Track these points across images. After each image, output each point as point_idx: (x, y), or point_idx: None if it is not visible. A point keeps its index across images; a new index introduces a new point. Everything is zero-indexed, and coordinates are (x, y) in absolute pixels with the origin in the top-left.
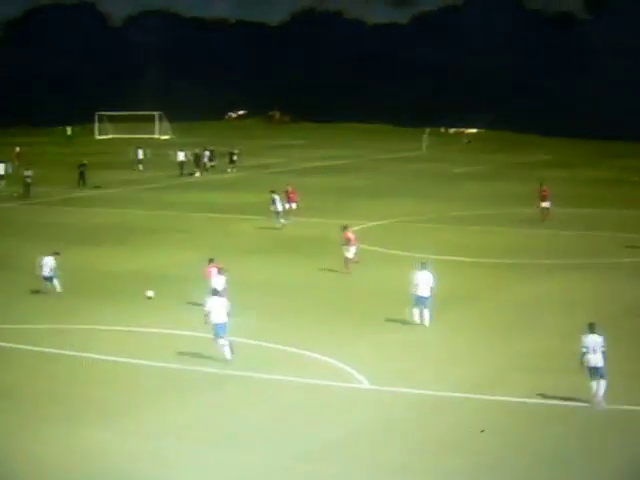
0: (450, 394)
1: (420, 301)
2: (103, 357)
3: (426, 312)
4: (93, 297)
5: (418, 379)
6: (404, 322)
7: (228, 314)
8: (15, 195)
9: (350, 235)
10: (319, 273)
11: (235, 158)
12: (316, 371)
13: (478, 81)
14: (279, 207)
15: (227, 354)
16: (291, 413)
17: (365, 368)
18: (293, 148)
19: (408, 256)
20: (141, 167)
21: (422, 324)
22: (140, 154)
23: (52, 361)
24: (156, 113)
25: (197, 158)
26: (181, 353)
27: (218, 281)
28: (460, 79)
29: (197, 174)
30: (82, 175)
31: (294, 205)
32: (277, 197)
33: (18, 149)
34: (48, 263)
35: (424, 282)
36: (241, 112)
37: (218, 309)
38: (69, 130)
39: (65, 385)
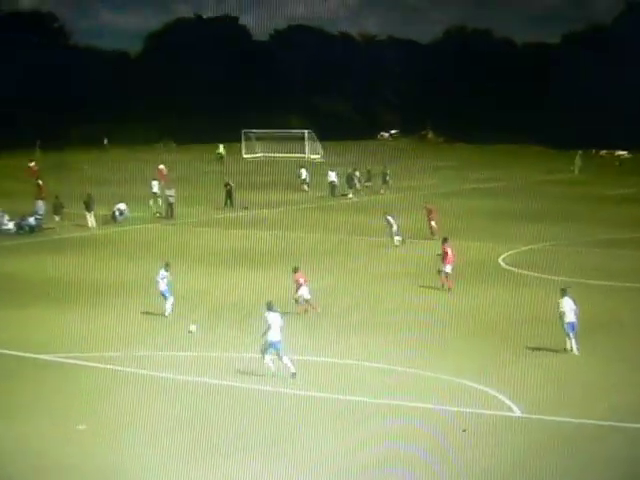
0: (603, 423)
1: (568, 328)
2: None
3: (573, 339)
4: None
5: (568, 407)
6: (547, 347)
7: (281, 330)
8: (158, 215)
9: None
10: (459, 297)
11: (388, 179)
12: (466, 398)
13: (631, 102)
14: (394, 226)
15: (272, 368)
16: (447, 442)
17: (515, 395)
18: (446, 169)
19: (557, 280)
20: (306, 188)
21: (572, 351)
22: (304, 174)
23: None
24: (306, 131)
25: (349, 179)
26: (329, 381)
27: (304, 290)
28: (612, 100)
29: (350, 195)
30: (229, 195)
31: (433, 223)
32: (390, 218)
33: (162, 167)
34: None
35: (570, 308)
36: (394, 132)
37: (274, 325)
38: (221, 148)
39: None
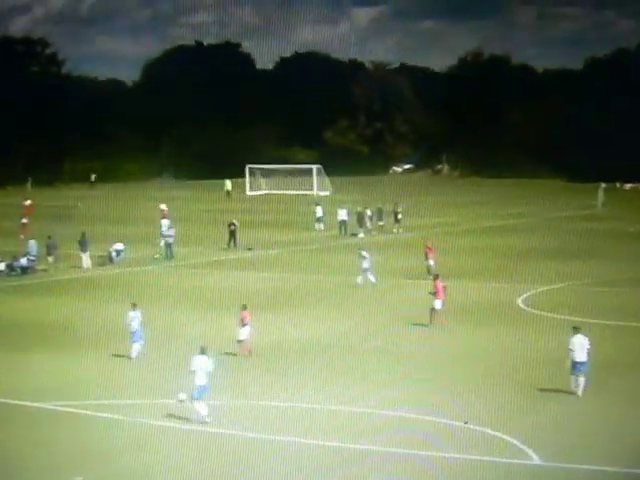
0: (626, 470)
1: (576, 367)
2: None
3: (582, 380)
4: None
5: (587, 453)
6: (565, 392)
7: (208, 375)
8: (157, 257)
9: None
10: (473, 340)
11: (400, 217)
12: (480, 445)
13: None
14: (365, 264)
15: (202, 416)
16: None
17: (531, 441)
18: (462, 206)
19: (576, 321)
20: (322, 226)
21: (575, 393)
22: (319, 212)
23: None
24: (314, 167)
25: (360, 217)
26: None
27: (244, 331)
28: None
29: (361, 234)
30: (233, 235)
31: (431, 262)
32: (364, 253)
33: (164, 206)
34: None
35: (580, 346)
36: (407, 166)
37: (201, 369)
38: (229, 184)
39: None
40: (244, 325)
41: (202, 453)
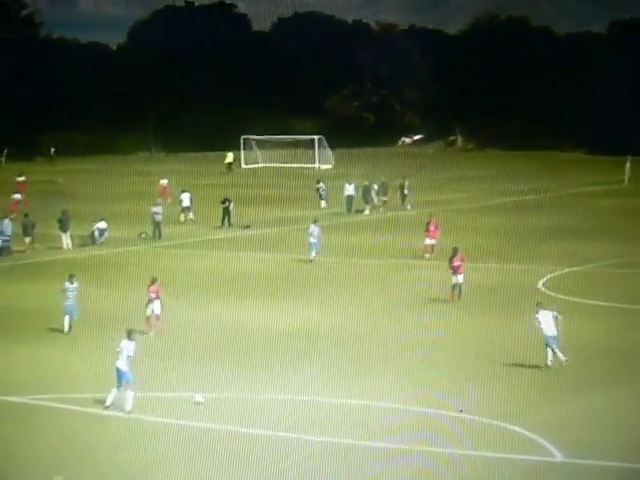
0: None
1: (548, 341)
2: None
3: (557, 352)
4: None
5: (610, 450)
6: (586, 385)
7: (129, 360)
8: (143, 236)
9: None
10: (488, 327)
11: (406, 192)
12: (500, 442)
13: None
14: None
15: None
16: None
17: (554, 438)
18: (477, 180)
19: (601, 305)
20: (324, 204)
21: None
22: (322, 188)
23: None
24: (316, 137)
25: (366, 192)
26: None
27: (156, 305)
28: None
29: (367, 211)
30: (227, 213)
31: (434, 241)
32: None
33: (165, 182)
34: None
35: (545, 321)
36: (417, 137)
37: (122, 353)
38: (230, 156)
39: None
40: (153, 300)
41: (195, 450)
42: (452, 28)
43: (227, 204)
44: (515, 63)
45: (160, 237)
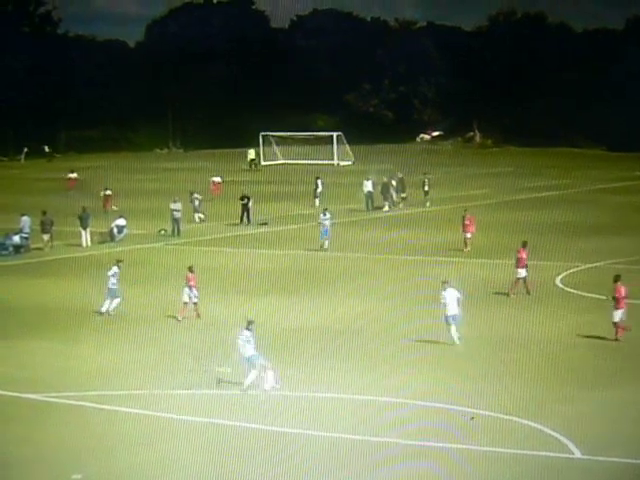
0: None
1: (448, 319)
2: None
3: (453, 329)
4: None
5: (630, 446)
6: (603, 380)
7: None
8: (163, 233)
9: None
10: (507, 323)
11: (427, 188)
12: (518, 438)
13: None
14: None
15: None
16: None
17: (573, 434)
18: (495, 177)
19: None
20: (317, 202)
21: (453, 343)
22: (320, 186)
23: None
24: (334, 134)
25: (385, 188)
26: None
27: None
28: None
29: (386, 208)
30: (246, 210)
31: (469, 235)
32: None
33: (218, 179)
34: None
35: (451, 300)
36: (436, 133)
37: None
38: (253, 153)
39: None
40: (192, 287)
41: (215, 447)
42: (469, 25)
43: (246, 201)
44: (532, 59)
45: (179, 234)
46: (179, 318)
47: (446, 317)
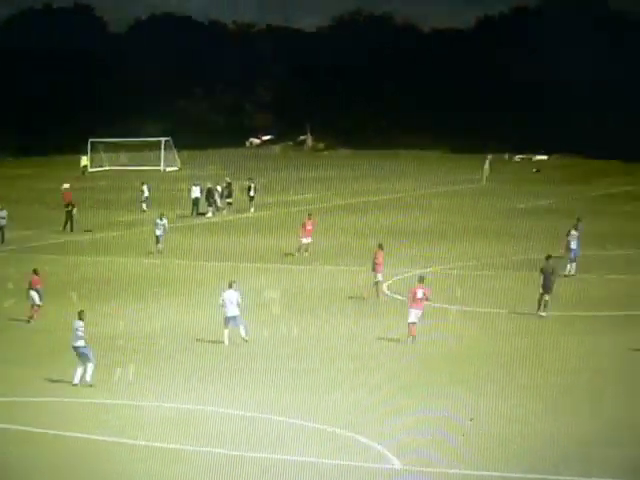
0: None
1: (229, 321)
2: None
3: (242, 329)
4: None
5: (444, 455)
6: (427, 386)
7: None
8: None
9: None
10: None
11: (252, 194)
12: (338, 449)
13: (554, 98)
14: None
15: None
16: None
17: (392, 444)
18: (327, 181)
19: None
20: (145, 207)
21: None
22: (146, 191)
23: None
24: (162, 139)
25: (210, 194)
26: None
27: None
28: (532, 95)
29: (209, 214)
30: (70, 216)
31: (309, 239)
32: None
33: (67, 186)
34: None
35: (229, 301)
36: (266, 137)
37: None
38: (84, 160)
39: None
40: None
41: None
42: (312, 27)
43: (70, 208)
44: (372, 61)
45: (3, 241)
46: (31, 321)
47: (226, 319)
